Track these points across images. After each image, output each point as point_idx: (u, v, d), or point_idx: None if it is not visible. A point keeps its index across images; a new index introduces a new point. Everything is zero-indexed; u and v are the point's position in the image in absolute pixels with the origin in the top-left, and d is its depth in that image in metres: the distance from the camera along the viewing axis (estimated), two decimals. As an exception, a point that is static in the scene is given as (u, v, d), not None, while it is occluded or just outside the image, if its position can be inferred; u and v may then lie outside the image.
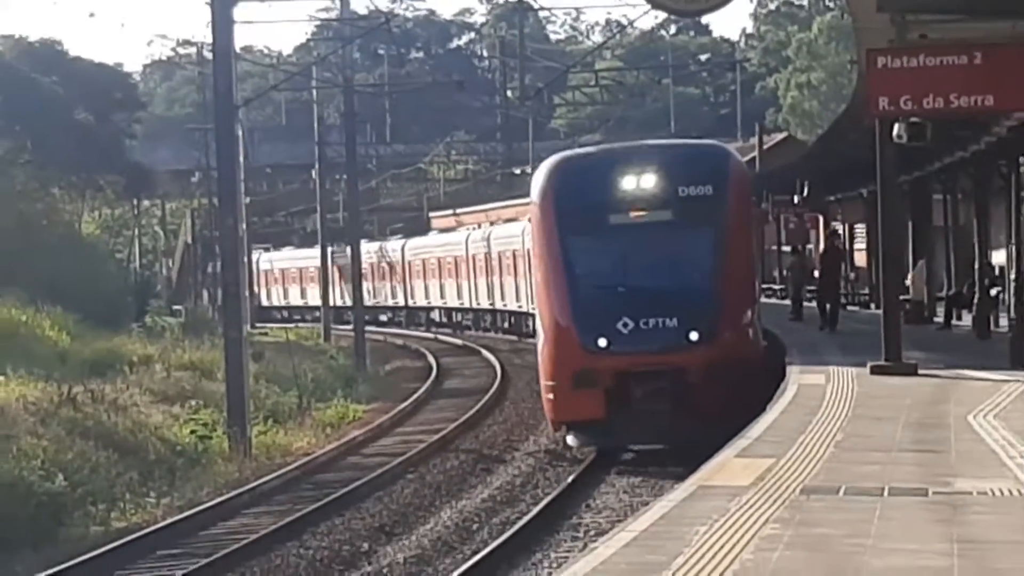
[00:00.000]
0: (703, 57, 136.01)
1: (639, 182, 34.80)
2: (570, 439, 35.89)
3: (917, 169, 51.09)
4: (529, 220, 39.08)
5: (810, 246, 60.40)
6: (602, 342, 33.33)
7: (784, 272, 69.74)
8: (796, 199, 70.14)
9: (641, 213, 34.55)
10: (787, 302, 61.40)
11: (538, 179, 36.05)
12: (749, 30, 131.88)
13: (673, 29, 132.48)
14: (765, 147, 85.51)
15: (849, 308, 61.80)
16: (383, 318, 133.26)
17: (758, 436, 25.15)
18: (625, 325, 33.09)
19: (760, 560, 14.85)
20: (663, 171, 34.88)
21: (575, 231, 34.49)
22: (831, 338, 46.68)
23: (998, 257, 52.43)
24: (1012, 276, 43.13)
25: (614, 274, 35.09)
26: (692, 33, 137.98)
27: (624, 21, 72.36)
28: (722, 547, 15.40)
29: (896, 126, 33.72)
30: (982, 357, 38.45)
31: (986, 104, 29.13)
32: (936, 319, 53.64)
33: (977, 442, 23.84)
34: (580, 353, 34.06)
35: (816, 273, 57.01)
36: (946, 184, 58.26)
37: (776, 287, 71.85)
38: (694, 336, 33.25)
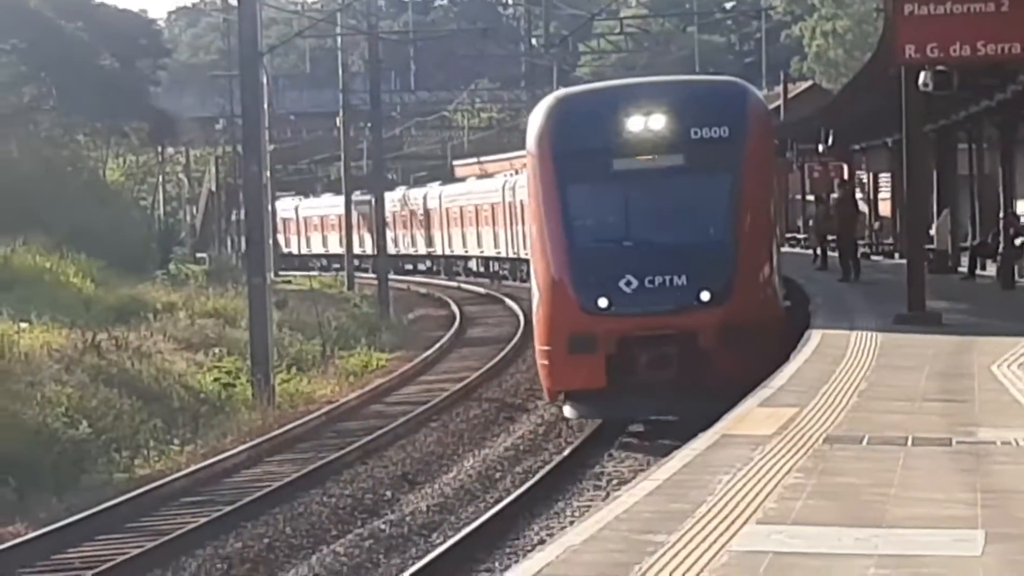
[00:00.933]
0: (729, 5, 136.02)
1: (646, 123, 29.54)
2: (567, 410, 30.98)
3: (943, 118, 50.95)
4: (525, 168, 33.25)
5: (835, 195, 59.90)
6: (603, 302, 28.58)
7: (808, 222, 69.53)
8: (821, 148, 69.86)
9: (648, 158, 29.72)
10: (810, 252, 61.04)
11: (534, 121, 31.06)
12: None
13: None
14: (790, 96, 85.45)
15: (873, 258, 61.67)
16: (408, 267, 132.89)
17: (781, 386, 24.98)
18: (628, 284, 28.38)
19: (783, 509, 14.86)
20: (673, 110, 29.79)
21: (573, 178, 29.63)
22: (854, 288, 46.07)
23: (1023, 207, 52.29)
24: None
25: (617, 226, 30.35)
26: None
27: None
28: (745, 495, 15.41)
29: (922, 74, 33.67)
30: (1007, 307, 38.41)
31: (1013, 52, 29.13)
32: (960, 269, 53.45)
33: (1001, 392, 23.82)
34: (578, 314, 29.18)
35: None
36: (971, 133, 58.07)
37: (800, 236, 71.41)
38: (706, 296, 28.49)
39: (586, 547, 13.50)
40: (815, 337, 30.85)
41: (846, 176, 71.20)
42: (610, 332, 28.44)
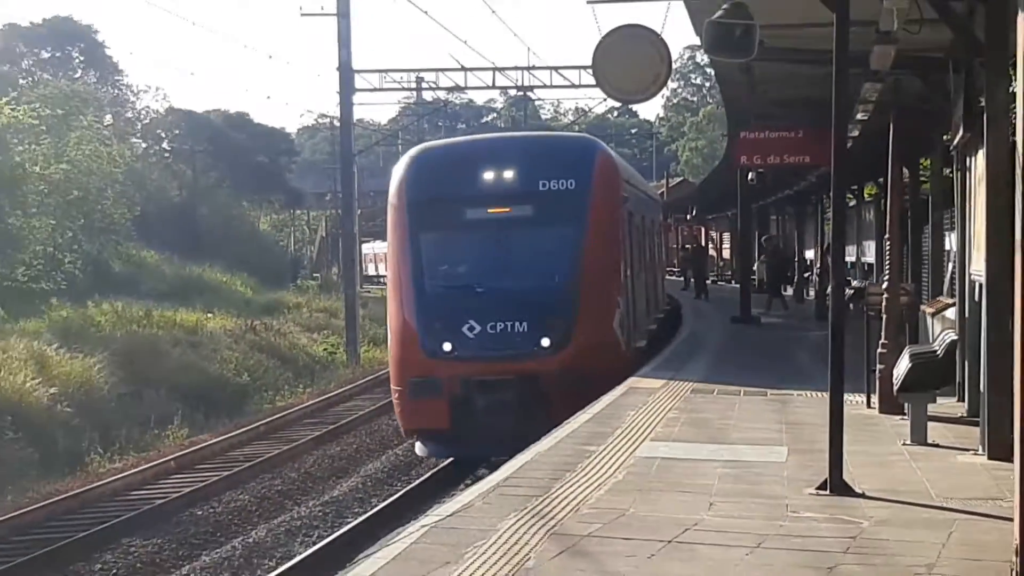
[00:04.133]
0: (633, 130, 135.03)
1: (497, 175, 21.72)
2: (418, 448, 22.25)
3: (761, 199, 50.85)
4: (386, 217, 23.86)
5: (695, 246, 60.14)
6: (446, 347, 20.53)
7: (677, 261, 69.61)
8: (688, 217, 70.18)
9: (497, 209, 21.67)
10: (681, 279, 60.87)
11: (395, 172, 22.92)
12: (661, 115, 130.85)
13: (615, 113, 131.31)
14: (670, 186, 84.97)
15: (718, 283, 61.58)
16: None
17: (666, 357, 24.61)
18: (471, 329, 20.33)
19: (667, 432, 14.98)
20: (523, 164, 21.82)
21: (425, 226, 21.52)
22: (706, 303, 45.75)
23: (809, 254, 52.35)
24: (817, 265, 43.13)
25: (464, 273, 21.88)
26: (626, 116, 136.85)
27: (586, 107, 72.69)
28: (644, 423, 15.48)
29: (750, 174, 33.76)
30: (797, 312, 38.45)
31: (804, 161, 29.06)
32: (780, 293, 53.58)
33: (797, 360, 23.92)
34: (423, 358, 20.86)
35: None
36: (779, 209, 58.31)
37: (675, 270, 71.24)
38: (546, 342, 20.34)
39: (549, 452, 13.55)
40: (685, 330, 30.86)
41: (703, 234, 71.15)
42: (452, 375, 20.19)
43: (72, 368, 28.75)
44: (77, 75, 63.45)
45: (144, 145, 63.09)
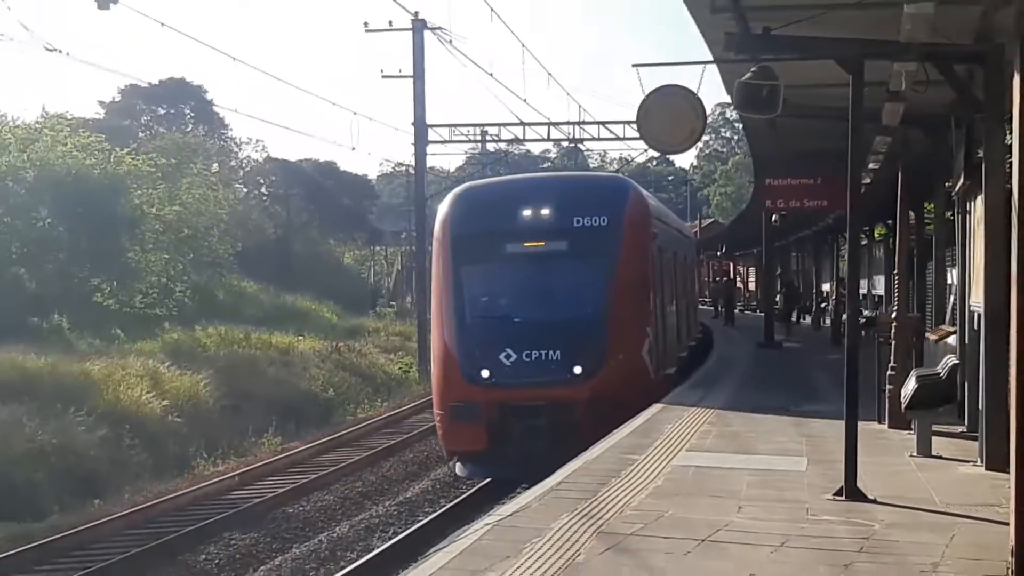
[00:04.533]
0: (670, 177, 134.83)
1: (534, 212, 20.45)
2: (458, 468, 20.72)
3: (783, 239, 50.63)
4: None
5: (725, 279, 60.01)
6: (484, 374, 19.13)
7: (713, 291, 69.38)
8: (718, 253, 69.88)
9: (534, 244, 20.33)
10: (711, 307, 60.58)
11: (440, 209, 21.76)
12: (695, 164, 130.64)
13: (655, 162, 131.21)
14: (702, 226, 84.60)
15: (745, 312, 61.28)
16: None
17: (699, 378, 24.26)
18: (508, 357, 18.97)
19: (701, 443, 14.86)
20: (559, 201, 20.58)
21: (467, 260, 20.23)
22: (733, 329, 45.47)
23: (825, 287, 52.03)
24: (833, 297, 42.84)
25: (501, 304, 20.65)
26: (664, 165, 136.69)
27: (629, 157, 72.42)
28: (680, 436, 15.37)
29: (773, 216, 33.66)
30: (815, 337, 38.16)
31: (822, 205, 28.94)
32: (791, 320, 53.32)
33: (816, 380, 23.69)
34: (462, 384, 19.47)
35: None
36: (799, 247, 57.93)
37: (706, 299, 70.82)
38: (578, 370, 18.93)
39: (596, 460, 13.51)
40: (715, 354, 30.67)
41: (731, 268, 70.91)
42: (489, 401, 18.87)
43: (182, 384, 28.96)
44: (188, 129, 64.04)
45: (245, 190, 63.58)
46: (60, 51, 22.56)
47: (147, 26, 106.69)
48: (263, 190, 66.70)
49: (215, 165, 57.50)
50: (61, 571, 15.87)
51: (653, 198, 25.86)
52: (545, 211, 19.97)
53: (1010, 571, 8.27)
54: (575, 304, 19.34)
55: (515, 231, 19.86)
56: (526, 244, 19.82)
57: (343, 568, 15.54)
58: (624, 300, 19.66)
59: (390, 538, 17.28)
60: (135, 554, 16.60)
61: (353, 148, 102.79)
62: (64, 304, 35.05)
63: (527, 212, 20.01)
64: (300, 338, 41.59)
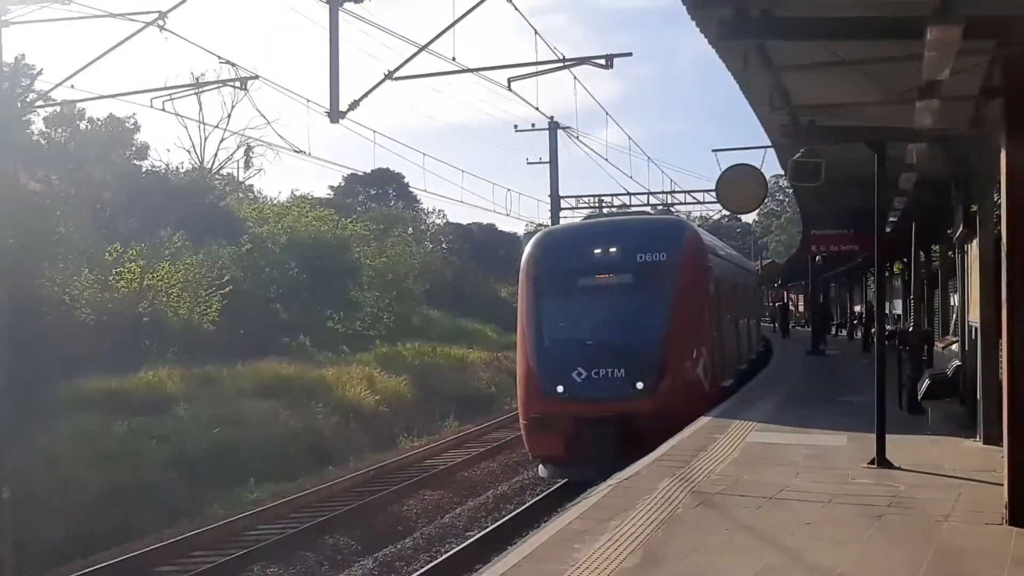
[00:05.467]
0: (738, 230, 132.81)
1: (603, 251, 18.06)
2: (540, 470, 18.39)
3: (824, 273, 49.44)
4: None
5: (780, 304, 58.73)
6: (560, 389, 16.87)
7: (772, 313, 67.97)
8: (775, 285, 68.49)
9: (603, 277, 18.03)
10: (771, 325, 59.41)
11: (526, 248, 19.17)
12: (756, 219, 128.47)
13: (726, 219, 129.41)
14: (763, 264, 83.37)
15: (796, 328, 59.97)
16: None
17: (765, 375, 23.43)
18: (580, 375, 16.75)
19: (766, 425, 14.58)
20: (624, 241, 18.16)
21: (547, 292, 17.97)
22: (788, 341, 44.24)
23: (857, 308, 50.66)
24: (863, 316, 41.66)
25: (575, 329, 17.72)
26: (734, 221, 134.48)
27: (708, 216, 71.47)
28: (750, 420, 15.11)
29: (816, 257, 32.92)
30: (848, 346, 37.09)
31: (853, 249, 28.31)
32: (823, 332, 51.95)
33: (854, 378, 22.98)
34: (542, 398, 17.14)
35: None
36: (836, 280, 56.50)
37: (767, 318, 69.46)
38: (640, 386, 16.65)
39: (688, 439, 13.34)
40: (774, 360, 29.97)
41: (785, 295, 69.43)
42: (565, 413, 16.56)
43: (388, 384, 29.42)
44: (391, 204, 65.14)
45: (431, 246, 64.23)
46: (304, 152, 23.17)
47: (363, 133, 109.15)
48: (443, 245, 67.31)
49: (410, 229, 58.32)
50: (307, 518, 16.21)
51: (710, 236, 23.66)
52: (612, 249, 17.71)
53: (1004, 520, 8.17)
54: (637, 329, 16.87)
55: (586, 267, 17.57)
56: (596, 277, 17.56)
57: (504, 517, 15.63)
58: (680, 324, 17.16)
59: (538, 495, 17.31)
60: (357, 506, 16.91)
61: (507, 214, 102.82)
62: (306, 328, 35.91)
63: (597, 251, 17.76)
64: (471, 350, 41.85)
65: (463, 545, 14.01)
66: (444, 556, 13.46)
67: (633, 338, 16.65)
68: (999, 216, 9.36)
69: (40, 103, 25.34)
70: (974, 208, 13.58)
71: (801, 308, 71.65)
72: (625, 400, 16.00)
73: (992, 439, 11.25)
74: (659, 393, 16.13)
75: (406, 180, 67.71)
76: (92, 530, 15.14)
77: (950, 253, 21.47)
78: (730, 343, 21.19)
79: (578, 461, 15.96)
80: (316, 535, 15.06)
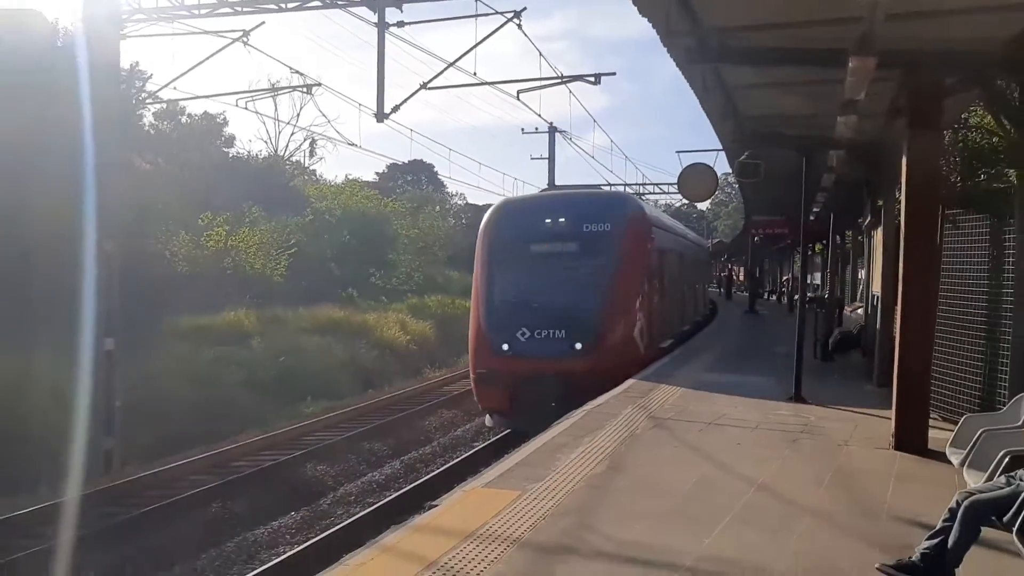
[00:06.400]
0: (694, 216, 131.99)
1: (553, 221, 15.62)
2: (487, 420, 16.00)
3: (761, 251, 49.14)
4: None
5: (726, 274, 58.41)
6: (505, 347, 14.67)
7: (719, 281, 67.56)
8: (723, 259, 68.00)
9: (551, 245, 15.54)
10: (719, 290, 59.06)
11: (485, 216, 16.57)
12: (709, 207, 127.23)
13: (685, 206, 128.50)
14: (714, 243, 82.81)
15: (737, 293, 59.89)
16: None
17: (711, 328, 22.71)
18: (523, 334, 14.59)
19: (710, 368, 14.52)
20: (573, 212, 15.69)
21: (499, 257, 15.68)
22: (729, 303, 43.94)
23: (785, 278, 50.39)
24: (790, 285, 41.34)
25: (522, 292, 15.25)
26: (692, 208, 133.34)
27: (671, 204, 70.32)
28: (699, 364, 15.06)
29: (755, 238, 32.66)
30: (777, 310, 36.69)
31: (784, 232, 28.20)
32: (757, 297, 51.53)
33: (781, 330, 22.86)
34: (489, 355, 14.89)
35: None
36: (770, 256, 56.10)
37: (715, 285, 69.23)
38: (578, 346, 14.38)
39: (646, 377, 13.22)
40: (718, 316, 29.68)
41: (730, 268, 69.12)
42: (509, 369, 14.34)
43: (417, 327, 29.35)
44: (423, 187, 64.83)
45: (453, 221, 63.91)
46: (356, 144, 23.06)
47: (402, 131, 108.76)
48: (463, 221, 66.89)
49: (437, 207, 58.00)
50: (350, 428, 16.28)
51: (656, 211, 21.02)
52: (562, 219, 15.41)
53: (890, 446, 8.15)
54: (578, 294, 14.62)
55: (536, 235, 15.28)
56: (545, 245, 15.26)
57: (502, 432, 15.68)
58: (619, 290, 14.87)
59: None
60: (385, 423, 16.94)
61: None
62: (354, 283, 35.82)
63: (548, 220, 15.47)
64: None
65: (470, 452, 14.07)
66: (455, 460, 13.54)
67: (574, 302, 14.54)
68: (899, 210, 9.30)
69: (149, 101, 25.33)
70: (880, 203, 13.49)
71: (742, 278, 71.42)
72: (564, 359, 13.95)
73: (884, 383, 11.24)
74: (595, 353, 13.99)
75: (435, 169, 67.41)
76: (184, 433, 15.22)
77: (859, 238, 21.43)
78: (673, 307, 18.86)
79: (519, 413, 14.06)
80: (357, 441, 15.12)
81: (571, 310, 14.33)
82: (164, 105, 35.64)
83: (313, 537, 9.72)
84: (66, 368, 13.90)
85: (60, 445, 12.04)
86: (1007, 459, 4.78)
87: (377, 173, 69.51)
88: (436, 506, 6.29)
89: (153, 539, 9.91)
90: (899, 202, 9.24)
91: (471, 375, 14.93)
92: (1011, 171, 9.33)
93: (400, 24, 15.04)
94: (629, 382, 12.46)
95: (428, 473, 12.93)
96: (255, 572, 8.53)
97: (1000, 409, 6.32)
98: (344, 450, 14.48)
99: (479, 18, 17.70)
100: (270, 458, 13.70)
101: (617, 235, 15.03)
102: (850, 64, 7.14)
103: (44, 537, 9.60)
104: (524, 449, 8.22)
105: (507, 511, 6.04)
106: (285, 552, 9.26)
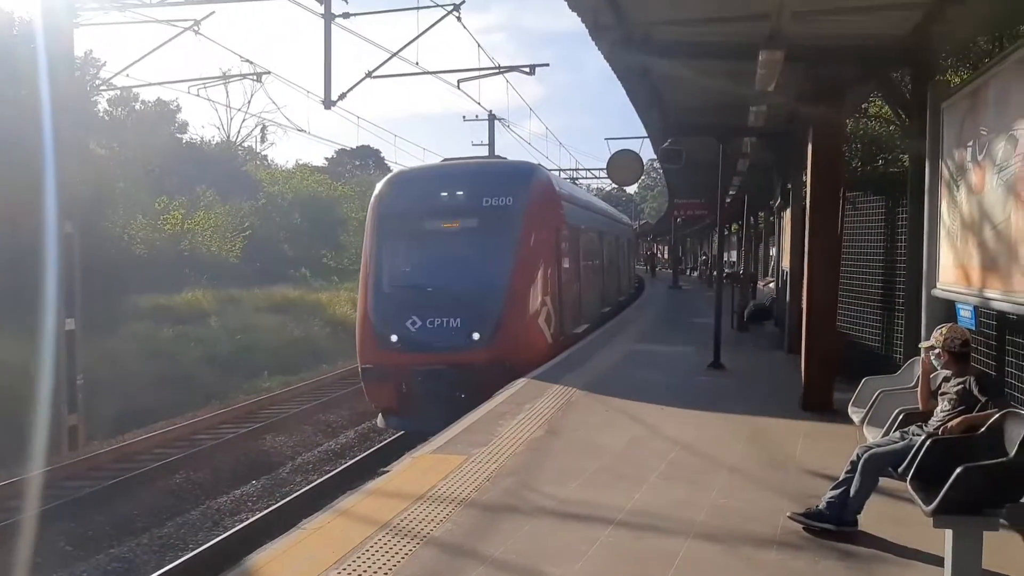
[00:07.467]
0: (623, 198, 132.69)
1: (449, 195, 12.10)
2: (379, 421, 12.01)
3: (683, 231, 49.73)
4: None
5: (650, 253, 59.02)
6: (394, 339, 11.29)
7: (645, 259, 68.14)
8: (648, 239, 68.63)
9: (447, 222, 12.00)
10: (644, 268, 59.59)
11: (375, 190, 12.83)
12: (636, 190, 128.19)
13: (615, 190, 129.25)
14: (640, 224, 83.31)
15: (661, 270, 60.55)
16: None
17: (638, 303, 22.68)
18: (414, 324, 11.24)
19: (640, 339, 14.57)
20: (471, 185, 12.18)
21: (389, 235, 12.17)
22: (656, 280, 44.19)
23: (704, 256, 51.13)
24: (708, 261, 41.74)
25: (413, 275, 11.88)
26: (621, 192, 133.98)
27: (602, 188, 69.95)
28: (631, 335, 15.09)
29: (678, 219, 32.92)
30: (698, 285, 37.13)
31: (704, 214, 28.52)
32: (684, 275, 52.15)
33: (702, 301, 23.11)
34: (376, 348, 11.46)
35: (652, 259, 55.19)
36: (691, 236, 56.88)
37: (641, 265, 69.79)
38: (476, 336, 11.09)
39: (583, 348, 13.25)
40: (644, 292, 29.87)
41: (655, 247, 69.95)
42: (398, 364, 11.31)
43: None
44: (371, 172, 63.85)
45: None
46: (305, 131, 22.57)
47: (349, 117, 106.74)
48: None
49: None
50: (306, 401, 16.05)
51: (568, 184, 18.71)
52: (459, 192, 12.21)
53: (799, 406, 8.29)
54: (476, 277, 11.64)
55: (430, 210, 12.12)
56: (440, 223, 12.11)
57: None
58: (523, 272, 11.81)
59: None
60: (342, 393, 16.71)
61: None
62: (306, 263, 35.25)
63: (444, 194, 12.25)
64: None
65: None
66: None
67: (471, 286, 11.57)
68: (805, 192, 9.51)
69: (104, 88, 24.34)
70: (789, 186, 13.75)
71: (666, 256, 72.28)
72: (460, 351, 11.17)
73: (793, 350, 11.51)
74: (495, 344, 11.23)
75: (382, 155, 66.47)
76: (144, 408, 14.84)
77: (771, 218, 21.85)
78: (590, 289, 16.18)
79: (412, 412, 11.37)
80: (313, 414, 14.91)
81: (468, 295, 11.48)
82: (118, 92, 34.34)
83: (274, 504, 9.58)
84: (28, 348, 13.40)
85: (26, 423, 11.63)
86: (901, 416, 4.96)
87: (326, 158, 68.06)
88: (388, 471, 6.24)
89: (121, 509, 9.65)
90: (805, 185, 9.46)
91: (359, 370, 11.93)
92: (905, 157, 9.62)
93: (346, 15, 14.71)
94: (565, 353, 12.26)
95: (381, 441, 12.84)
96: (220, 537, 8.39)
97: (896, 372, 6.54)
98: (301, 421, 14.27)
99: (421, 10, 17.40)
100: (229, 430, 13.44)
101: (520, 210, 12.00)
102: (760, 57, 7.24)
103: (14, 511, 9.29)
104: (469, 417, 8.20)
105: (454, 474, 6.03)
106: (248, 519, 9.11)
